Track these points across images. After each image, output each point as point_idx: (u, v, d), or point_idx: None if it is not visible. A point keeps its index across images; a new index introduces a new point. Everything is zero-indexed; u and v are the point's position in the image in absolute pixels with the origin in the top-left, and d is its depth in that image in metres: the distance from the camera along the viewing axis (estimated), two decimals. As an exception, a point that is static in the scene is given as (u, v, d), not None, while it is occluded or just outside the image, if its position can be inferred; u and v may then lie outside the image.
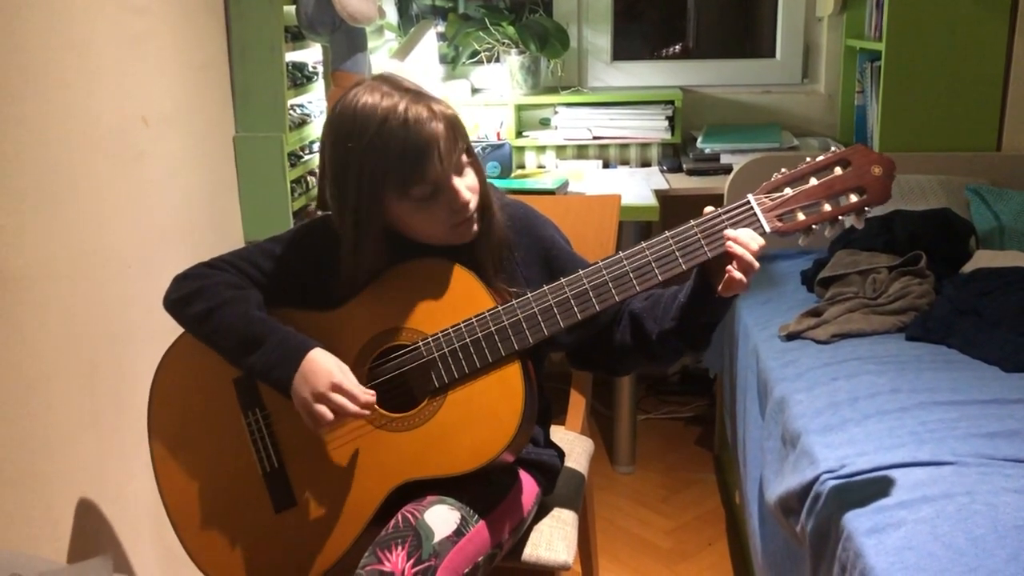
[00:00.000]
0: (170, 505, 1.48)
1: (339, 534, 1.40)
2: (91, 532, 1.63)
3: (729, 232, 1.31)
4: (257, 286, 1.49)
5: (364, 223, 1.38)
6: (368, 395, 1.36)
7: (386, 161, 1.33)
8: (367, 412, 1.36)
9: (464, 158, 1.40)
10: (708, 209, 1.35)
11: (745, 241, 1.30)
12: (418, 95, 1.35)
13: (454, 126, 1.36)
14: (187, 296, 1.44)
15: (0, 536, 1.39)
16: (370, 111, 1.33)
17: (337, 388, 1.35)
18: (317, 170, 1.52)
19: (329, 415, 1.34)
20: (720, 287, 1.32)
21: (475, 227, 1.44)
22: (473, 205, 1.41)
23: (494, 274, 1.47)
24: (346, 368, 1.38)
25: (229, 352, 1.42)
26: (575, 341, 1.52)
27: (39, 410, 1.50)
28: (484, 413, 1.37)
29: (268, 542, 1.44)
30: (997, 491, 1.39)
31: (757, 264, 1.30)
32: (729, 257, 1.31)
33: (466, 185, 1.40)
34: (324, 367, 1.36)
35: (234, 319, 1.41)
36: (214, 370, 1.47)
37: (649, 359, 1.49)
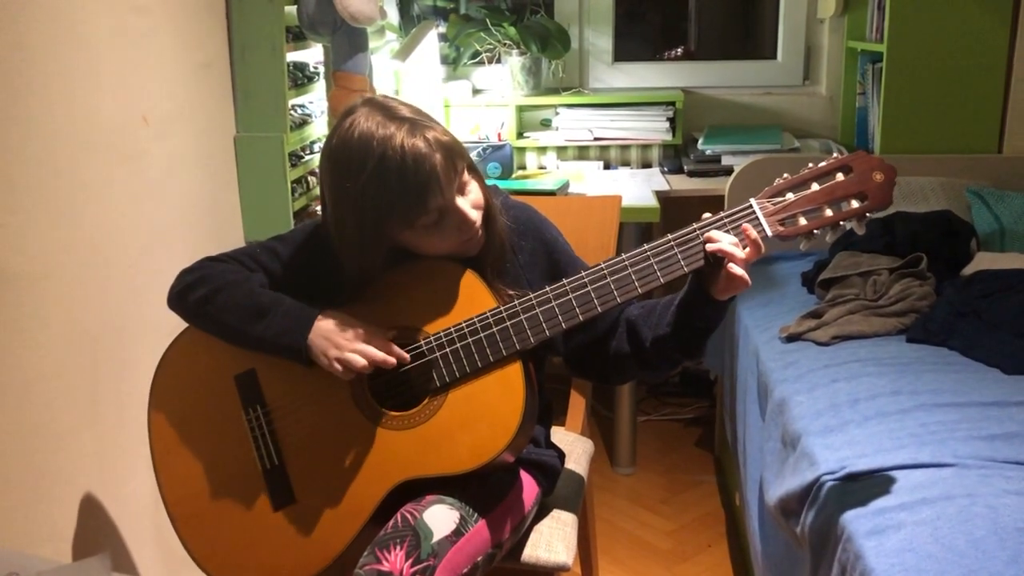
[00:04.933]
0: (169, 501, 1.48)
1: (338, 531, 1.40)
2: (91, 530, 1.63)
3: (713, 234, 1.31)
4: None
5: (367, 250, 1.39)
6: (398, 350, 1.37)
7: (387, 198, 1.33)
8: (393, 360, 1.37)
9: (465, 177, 1.39)
10: (706, 215, 1.35)
11: (720, 236, 1.31)
12: (414, 124, 1.33)
13: (451, 152, 1.35)
14: (190, 284, 1.45)
15: (-1, 535, 1.39)
16: (366, 146, 1.32)
17: (362, 336, 1.36)
18: (319, 193, 1.51)
19: (361, 361, 1.35)
20: (719, 286, 1.32)
21: (483, 239, 1.45)
22: (480, 221, 1.41)
23: (496, 275, 1.47)
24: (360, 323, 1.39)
25: (235, 328, 1.42)
26: (574, 345, 1.52)
27: (39, 408, 1.50)
28: (485, 412, 1.37)
29: (267, 539, 1.44)
30: (998, 493, 1.39)
31: (742, 255, 1.30)
32: (722, 258, 1.31)
33: (471, 203, 1.40)
34: (347, 320, 1.38)
35: (240, 295, 1.42)
36: (215, 367, 1.47)
37: (643, 366, 1.48)
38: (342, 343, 1.36)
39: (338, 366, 1.36)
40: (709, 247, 1.31)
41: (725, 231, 1.32)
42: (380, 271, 1.43)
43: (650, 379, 3.30)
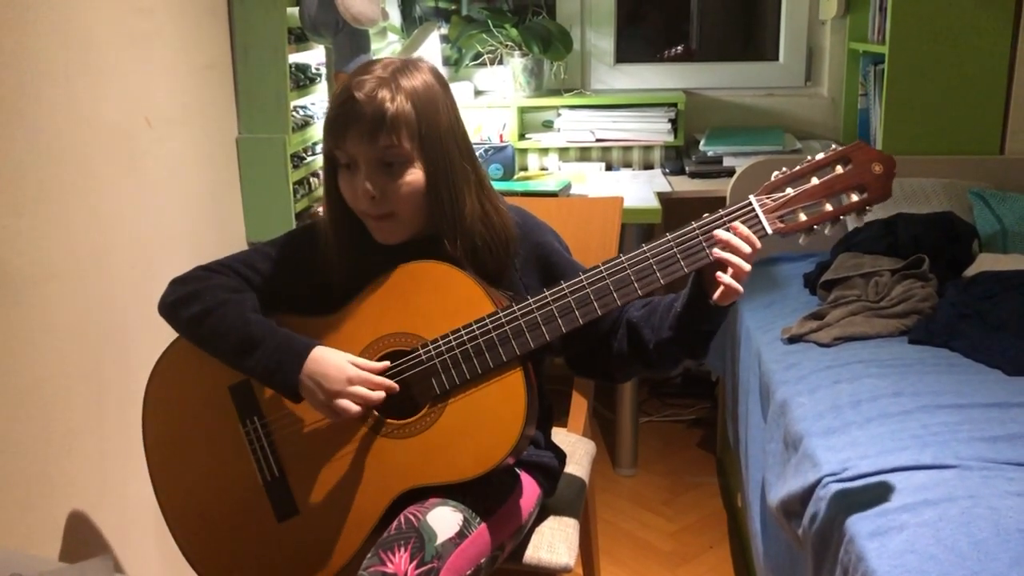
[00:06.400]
0: (169, 514, 1.47)
1: (343, 542, 1.40)
2: (93, 532, 1.63)
3: (721, 234, 1.30)
4: (255, 289, 1.48)
5: (327, 170, 1.43)
6: (386, 381, 1.38)
7: (328, 113, 1.40)
8: (383, 396, 1.37)
9: (399, 159, 1.37)
10: (706, 216, 1.35)
11: (737, 245, 1.30)
12: (390, 80, 1.36)
13: (387, 122, 1.34)
14: (183, 298, 1.43)
15: (1, 536, 1.39)
16: (353, 75, 1.39)
17: (353, 381, 1.36)
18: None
19: (354, 407, 1.35)
20: (716, 296, 1.31)
21: (396, 235, 1.42)
22: (380, 209, 1.39)
23: (492, 280, 1.46)
24: (355, 358, 1.39)
25: (226, 355, 1.41)
26: (575, 346, 1.52)
27: (43, 409, 1.50)
28: (486, 419, 1.36)
29: (271, 551, 1.43)
30: (1000, 495, 1.39)
31: (748, 267, 1.30)
32: (723, 264, 1.30)
33: (383, 184, 1.37)
34: (335, 363, 1.36)
35: (232, 321, 1.40)
36: (209, 377, 1.46)
37: (647, 367, 1.48)
38: (332, 387, 1.35)
39: (327, 411, 1.36)
40: (718, 253, 1.30)
41: (725, 231, 1.32)
42: (339, 216, 1.43)
43: (655, 376, 3.31)
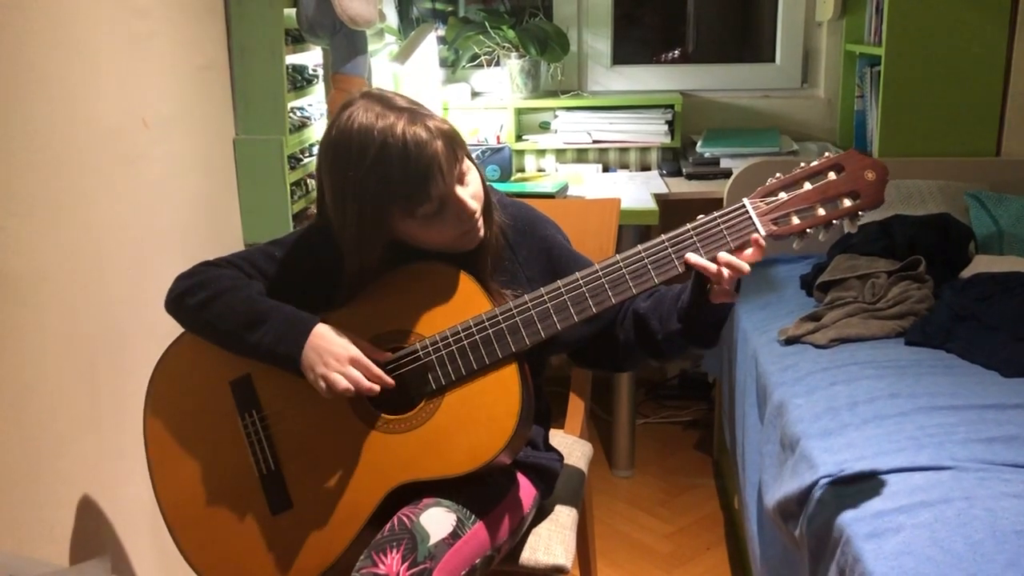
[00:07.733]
0: (166, 508, 1.48)
1: (336, 536, 1.40)
2: (89, 534, 1.63)
3: (723, 257, 1.32)
4: None
5: (367, 241, 1.38)
6: (382, 375, 1.38)
7: (389, 185, 1.32)
8: (377, 388, 1.37)
9: (465, 166, 1.39)
10: (700, 217, 1.36)
11: (739, 266, 1.31)
12: (413, 114, 1.34)
13: (452, 140, 1.35)
14: (189, 288, 1.44)
15: (-3, 538, 1.39)
16: (367, 134, 1.31)
17: (354, 361, 1.36)
18: (315, 191, 1.51)
19: (344, 383, 1.35)
20: (711, 296, 1.35)
21: (482, 231, 1.44)
22: (479, 212, 1.41)
23: (492, 274, 1.47)
24: (358, 340, 1.39)
25: (232, 334, 1.41)
26: (576, 343, 1.53)
27: (37, 411, 1.50)
28: (481, 415, 1.37)
29: (265, 544, 1.44)
30: (996, 496, 1.39)
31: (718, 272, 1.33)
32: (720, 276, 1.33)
33: (470, 194, 1.39)
34: (338, 340, 1.37)
35: (237, 301, 1.41)
36: (210, 373, 1.47)
37: (656, 356, 1.51)
38: (330, 362, 1.36)
39: (322, 384, 1.36)
40: (694, 260, 1.33)
41: (719, 230, 1.33)
42: (379, 268, 1.42)
43: (665, 362, 3.34)
